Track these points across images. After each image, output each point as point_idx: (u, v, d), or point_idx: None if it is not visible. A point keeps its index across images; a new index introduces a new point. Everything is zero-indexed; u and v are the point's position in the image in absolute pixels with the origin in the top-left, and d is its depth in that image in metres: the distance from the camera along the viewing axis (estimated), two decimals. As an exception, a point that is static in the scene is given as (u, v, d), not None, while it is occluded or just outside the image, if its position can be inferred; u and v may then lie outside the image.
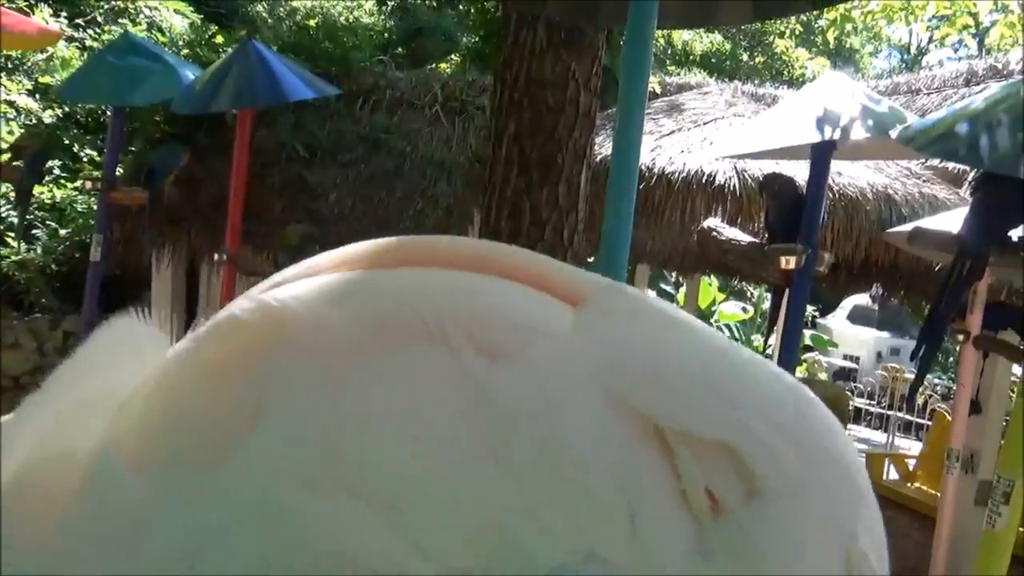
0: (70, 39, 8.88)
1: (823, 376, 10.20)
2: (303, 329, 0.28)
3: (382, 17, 12.67)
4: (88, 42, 9.44)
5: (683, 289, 9.69)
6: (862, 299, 15.67)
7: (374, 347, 0.28)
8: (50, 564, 0.28)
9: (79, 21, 9.63)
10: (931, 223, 4.37)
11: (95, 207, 5.87)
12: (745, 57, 24.83)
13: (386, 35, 11.87)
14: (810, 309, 13.16)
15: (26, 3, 8.63)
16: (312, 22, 11.91)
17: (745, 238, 3.93)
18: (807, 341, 12.27)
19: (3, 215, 7.33)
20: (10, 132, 7.08)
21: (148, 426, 0.30)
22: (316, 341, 0.28)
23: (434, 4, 12.89)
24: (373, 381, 0.27)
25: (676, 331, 0.32)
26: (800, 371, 9.52)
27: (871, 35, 17.41)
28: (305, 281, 0.31)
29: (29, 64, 8.67)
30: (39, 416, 0.32)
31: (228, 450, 0.28)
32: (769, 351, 8.66)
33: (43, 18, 8.64)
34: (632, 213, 1.44)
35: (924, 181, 6.03)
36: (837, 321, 16.62)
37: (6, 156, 5.63)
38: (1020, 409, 2.33)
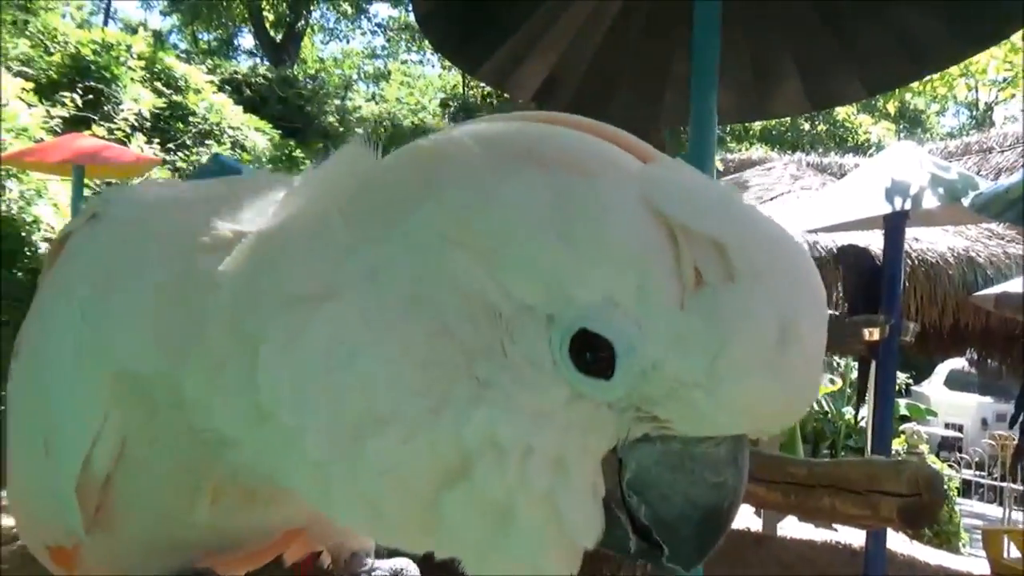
0: (163, 162, 9.58)
1: (924, 448, 9.61)
2: (460, 150, 0.48)
3: (445, 119, 13.25)
4: (179, 163, 10.18)
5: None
6: (958, 363, 14.86)
7: (503, 164, 0.46)
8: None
9: (170, 145, 10.42)
10: (1017, 284, 4.21)
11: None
12: (807, 126, 24.72)
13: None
14: (902, 376, 12.55)
15: (123, 133, 9.40)
16: (381, 129, 12.52)
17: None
18: (903, 411, 11.65)
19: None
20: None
21: (358, 199, 0.51)
22: (466, 158, 0.47)
23: (493, 103, 13.43)
24: (499, 184, 0.45)
25: (717, 185, 0.48)
26: (898, 444, 9.02)
27: (935, 95, 17.18)
28: (467, 128, 0.52)
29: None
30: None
31: (406, 215, 0.47)
32: (862, 423, 8.30)
33: (139, 146, 9.39)
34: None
35: (1008, 241, 5.85)
36: (933, 388, 15.77)
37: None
38: None
